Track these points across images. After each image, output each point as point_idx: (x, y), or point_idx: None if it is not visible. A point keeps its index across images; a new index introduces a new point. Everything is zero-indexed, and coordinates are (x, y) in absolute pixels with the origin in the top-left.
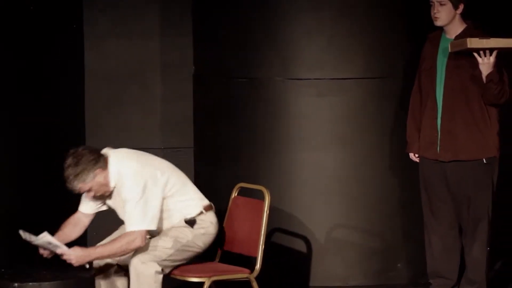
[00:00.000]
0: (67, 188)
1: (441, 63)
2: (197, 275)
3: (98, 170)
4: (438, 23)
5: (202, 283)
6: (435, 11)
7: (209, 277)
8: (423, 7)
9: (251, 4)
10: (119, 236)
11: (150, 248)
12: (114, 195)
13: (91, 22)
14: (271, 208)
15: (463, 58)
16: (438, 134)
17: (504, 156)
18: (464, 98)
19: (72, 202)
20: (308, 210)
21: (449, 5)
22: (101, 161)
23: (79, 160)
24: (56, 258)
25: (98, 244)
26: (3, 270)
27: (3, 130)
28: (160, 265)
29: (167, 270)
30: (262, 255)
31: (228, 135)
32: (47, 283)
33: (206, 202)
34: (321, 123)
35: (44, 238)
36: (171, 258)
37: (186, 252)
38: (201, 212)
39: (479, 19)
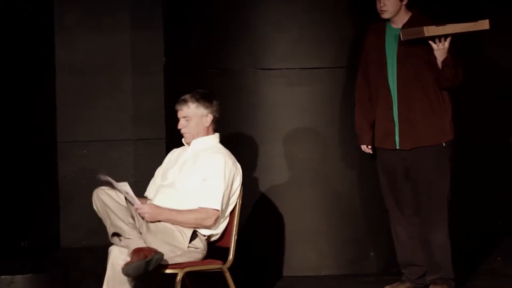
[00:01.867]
0: (179, 103)
1: (391, 53)
2: (170, 267)
3: (211, 113)
4: (386, 15)
5: (175, 275)
6: (381, 4)
7: (182, 268)
8: None
9: None
10: (195, 210)
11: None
12: (188, 159)
13: (61, 15)
14: (243, 199)
15: (415, 45)
16: (395, 124)
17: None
18: (419, 85)
19: (44, 195)
20: (280, 200)
21: None
22: (215, 115)
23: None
24: (28, 251)
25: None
26: None
27: None
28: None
29: None
30: (235, 246)
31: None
32: (19, 276)
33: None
34: (292, 113)
35: (124, 186)
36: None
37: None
38: (207, 238)
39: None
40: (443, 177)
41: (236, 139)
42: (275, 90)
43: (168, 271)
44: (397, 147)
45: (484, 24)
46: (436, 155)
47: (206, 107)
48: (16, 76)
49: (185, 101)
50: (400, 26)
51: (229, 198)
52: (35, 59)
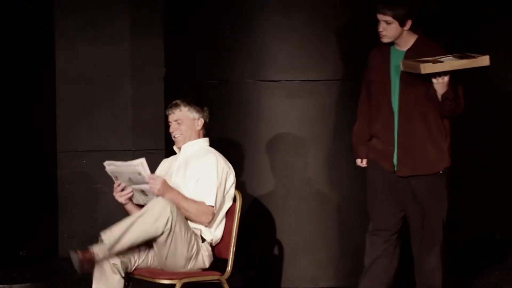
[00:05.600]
0: (170, 107)
1: (395, 76)
2: (168, 277)
3: (202, 118)
4: (385, 40)
5: (173, 286)
6: (381, 29)
7: (180, 279)
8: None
9: (222, 6)
10: (198, 201)
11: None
12: (181, 165)
13: (61, 23)
14: (242, 210)
15: (417, 75)
16: (394, 148)
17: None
18: (420, 110)
19: (43, 204)
20: (279, 211)
21: (396, 23)
22: (206, 120)
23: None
24: (26, 260)
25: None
26: None
27: None
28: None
29: None
30: (233, 257)
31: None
32: (18, 285)
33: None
34: (291, 124)
35: (137, 167)
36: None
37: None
38: (210, 243)
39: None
40: (439, 203)
41: (235, 150)
42: (274, 102)
43: (166, 281)
44: (395, 171)
45: (484, 61)
46: (433, 183)
47: (198, 111)
48: (16, 85)
49: (176, 105)
50: (404, 49)
51: (223, 196)
52: (36, 68)
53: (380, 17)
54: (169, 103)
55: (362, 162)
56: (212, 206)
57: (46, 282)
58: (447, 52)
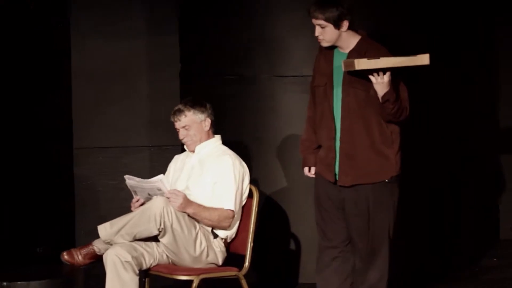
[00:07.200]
0: (174, 114)
1: (338, 80)
2: (186, 273)
3: (207, 117)
4: (324, 44)
5: (191, 281)
6: (317, 33)
7: (198, 275)
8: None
9: (237, 2)
10: (218, 208)
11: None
12: (195, 165)
13: (77, 21)
14: (259, 205)
15: (359, 76)
16: (336, 156)
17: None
18: (362, 118)
19: (60, 201)
20: (295, 206)
21: (330, 26)
22: (212, 118)
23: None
24: (45, 257)
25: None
26: None
27: None
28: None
29: None
30: (251, 253)
31: (215, 132)
32: (35, 281)
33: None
34: None
35: (157, 183)
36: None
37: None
38: (225, 240)
39: None
40: (383, 215)
41: (250, 146)
42: (290, 97)
43: (183, 277)
44: (336, 181)
45: (423, 59)
46: (377, 192)
47: (202, 112)
48: (32, 82)
49: (180, 111)
50: (347, 51)
51: (241, 198)
52: (51, 65)
53: (314, 21)
54: (185, 98)
55: (310, 171)
56: (232, 210)
57: (63, 279)
58: (393, 55)
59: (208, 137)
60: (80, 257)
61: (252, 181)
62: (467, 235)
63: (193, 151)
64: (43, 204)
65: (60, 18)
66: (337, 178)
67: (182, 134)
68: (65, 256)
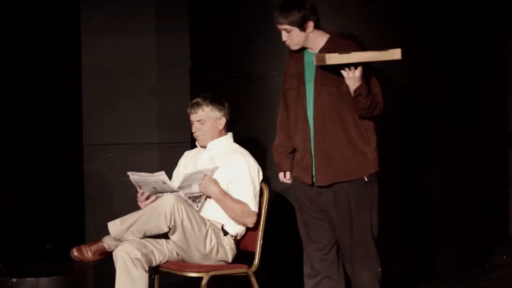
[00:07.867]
0: (192, 106)
1: (309, 80)
2: (196, 270)
3: (224, 116)
4: (293, 47)
5: (200, 279)
6: (284, 38)
7: (208, 272)
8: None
9: None
10: (243, 202)
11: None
12: (207, 163)
13: (87, 17)
14: (269, 203)
15: (331, 72)
16: (312, 158)
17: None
18: (336, 115)
19: (69, 198)
20: None
21: (296, 29)
22: (228, 118)
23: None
24: (54, 254)
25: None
26: (1, 265)
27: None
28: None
29: None
30: (260, 250)
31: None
32: (44, 278)
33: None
34: None
35: (161, 176)
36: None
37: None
38: (234, 237)
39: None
40: (365, 213)
41: (259, 143)
42: None
43: (193, 274)
44: (314, 182)
45: (395, 54)
46: (356, 191)
47: (220, 110)
48: (42, 78)
49: (198, 104)
50: (317, 50)
51: (258, 197)
52: (62, 62)
53: (279, 27)
54: (195, 96)
55: (285, 177)
56: (255, 211)
57: (73, 275)
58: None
59: (220, 135)
60: (89, 254)
61: (262, 179)
62: (476, 232)
63: (204, 147)
64: (52, 201)
65: (71, 15)
66: (314, 180)
67: (195, 127)
68: (75, 252)
